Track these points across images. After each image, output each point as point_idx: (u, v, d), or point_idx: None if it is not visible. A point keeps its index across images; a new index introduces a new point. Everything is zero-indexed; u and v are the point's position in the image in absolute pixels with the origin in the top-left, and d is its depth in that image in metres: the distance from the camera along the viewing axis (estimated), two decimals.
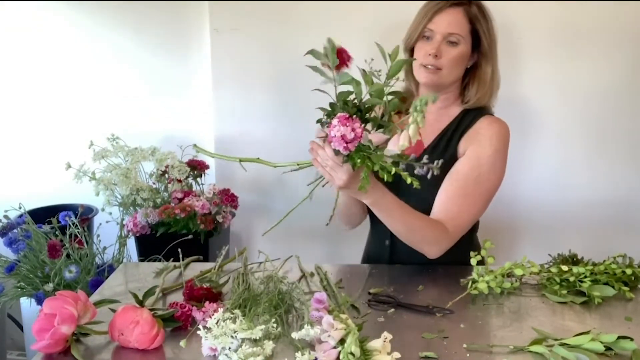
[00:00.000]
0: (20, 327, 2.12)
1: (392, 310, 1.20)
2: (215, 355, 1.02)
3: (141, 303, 1.11)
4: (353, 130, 1.05)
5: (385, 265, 1.49)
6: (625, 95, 2.03)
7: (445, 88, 1.43)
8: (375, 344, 0.99)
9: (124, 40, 2.15)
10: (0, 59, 2.19)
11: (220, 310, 1.07)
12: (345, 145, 1.06)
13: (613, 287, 1.24)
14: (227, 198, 1.97)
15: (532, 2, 1.94)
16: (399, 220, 1.30)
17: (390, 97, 1.12)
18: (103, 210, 1.98)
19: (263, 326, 1.04)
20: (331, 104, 1.14)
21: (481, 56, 1.40)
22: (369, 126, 1.14)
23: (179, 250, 1.41)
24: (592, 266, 1.28)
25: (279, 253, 1.42)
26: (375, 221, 1.53)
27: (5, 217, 1.83)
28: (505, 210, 2.05)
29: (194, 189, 2.06)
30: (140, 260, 1.86)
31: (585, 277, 1.25)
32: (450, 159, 1.40)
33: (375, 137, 1.10)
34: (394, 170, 1.04)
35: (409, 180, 1.04)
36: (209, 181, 2.12)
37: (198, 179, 2.08)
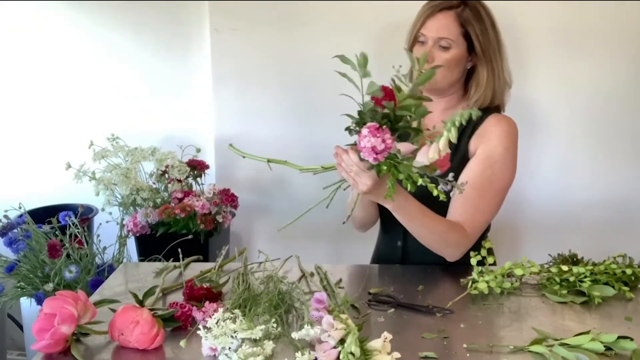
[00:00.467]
0: (20, 327, 2.12)
1: (392, 310, 1.20)
2: (215, 355, 1.02)
3: (141, 303, 1.11)
4: (384, 141, 1.05)
5: (385, 265, 1.49)
6: (627, 95, 2.02)
7: (445, 91, 1.43)
8: (375, 344, 0.99)
9: (123, 40, 2.15)
10: (0, 59, 2.19)
11: (220, 310, 1.07)
12: (375, 156, 1.06)
13: (613, 287, 1.24)
14: (227, 198, 1.97)
15: (536, 2, 1.94)
16: (421, 224, 1.30)
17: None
18: (103, 210, 1.98)
19: (263, 326, 1.04)
20: (360, 112, 1.13)
21: (476, 58, 1.40)
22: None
23: (179, 250, 1.40)
24: (592, 266, 1.28)
25: (279, 253, 1.42)
26: (386, 223, 1.53)
27: (5, 217, 1.83)
28: (505, 210, 2.05)
29: (194, 189, 2.06)
30: (140, 260, 1.85)
31: (585, 277, 1.25)
32: (462, 160, 1.40)
33: (404, 146, 1.10)
34: (420, 181, 1.05)
35: (435, 193, 1.05)
36: (209, 181, 2.12)
37: (198, 179, 2.07)
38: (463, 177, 1.36)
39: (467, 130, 1.42)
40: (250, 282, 1.24)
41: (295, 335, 1.00)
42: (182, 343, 1.05)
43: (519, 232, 2.16)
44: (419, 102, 1.13)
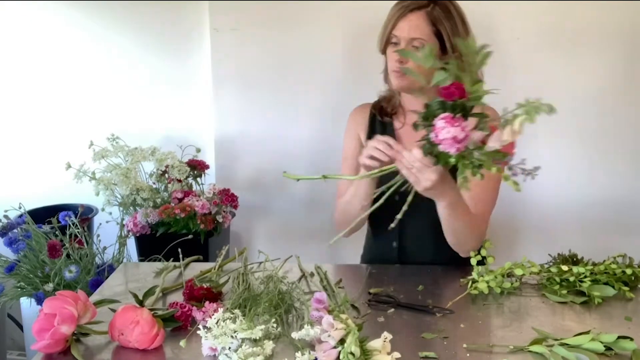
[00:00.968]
0: (20, 327, 2.11)
1: (392, 310, 1.20)
2: (215, 355, 1.02)
3: (141, 303, 1.11)
4: (463, 129, 1.02)
5: (385, 265, 1.48)
6: (622, 95, 2.02)
7: (426, 91, 1.42)
8: (375, 344, 0.99)
9: (123, 40, 2.15)
10: (0, 59, 2.19)
11: (220, 310, 1.07)
12: (457, 146, 1.02)
13: (613, 287, 1.24)
14: (227, 198, 1.97)
15: (527, 2, 1.93)
16: (462, 218, 1.31)
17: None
18: (103, 210, 1.98)
19: (263, 326, 1.04)
20: (427, 105, 1.09)
21: (448, 56, 1.38)
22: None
23: (179, 250, 1.40)
24: (592, 266, 1.28)
25: (279, 253, 1.42)
26: (378, 225, 1.53)
27: (5, 217, 1.82)
28: (505, 210, 2.05)
29: (194, 189, 2.06)
30: (140, 260, 1.86)
31: (585, 277, 1.25)
32: None
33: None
34: (494, 169, 1.02)
35: (509, 183, 1.02)
36: (209, 181, 2.12)
37: (198, 179, 2.07)
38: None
39: None
40: (250, 282, 1.24)
41: (295, 335, 1.00)
42: (182, 343, 1.05)
43: (519, 232, 2.16)
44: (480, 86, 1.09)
